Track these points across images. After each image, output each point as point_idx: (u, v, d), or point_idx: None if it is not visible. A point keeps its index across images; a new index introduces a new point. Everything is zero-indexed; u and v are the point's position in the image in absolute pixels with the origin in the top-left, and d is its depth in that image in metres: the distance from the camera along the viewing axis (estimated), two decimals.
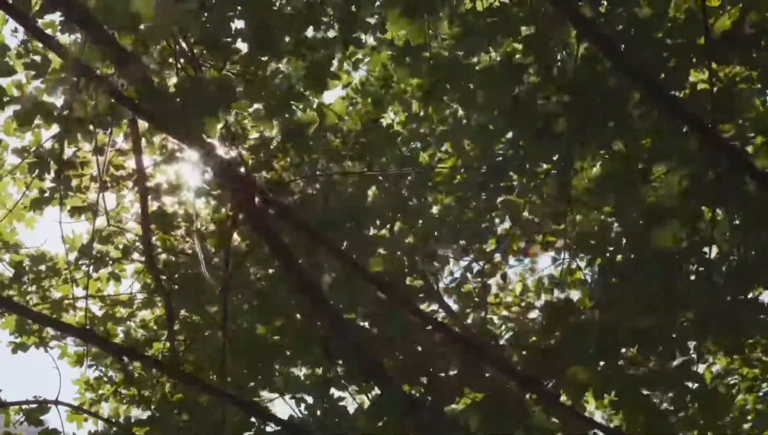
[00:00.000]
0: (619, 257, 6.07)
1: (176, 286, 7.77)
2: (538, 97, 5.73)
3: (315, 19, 6.40)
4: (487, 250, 7.17)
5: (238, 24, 6.04)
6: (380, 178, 7.15)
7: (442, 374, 6.27)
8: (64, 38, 6.56)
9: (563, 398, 6.04)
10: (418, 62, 6.56)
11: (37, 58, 6.61)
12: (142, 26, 5.53)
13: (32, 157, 7.28)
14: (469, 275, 7.13)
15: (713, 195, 5.62)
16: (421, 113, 7.30)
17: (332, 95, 7.23)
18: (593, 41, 5.59)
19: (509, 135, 6.24)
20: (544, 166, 6.36)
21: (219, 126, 6.40)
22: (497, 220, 7.08)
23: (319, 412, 6.44)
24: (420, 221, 7.24)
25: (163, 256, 7.98)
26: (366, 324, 6.53)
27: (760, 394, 7.82)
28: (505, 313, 7.22)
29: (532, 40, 5.81)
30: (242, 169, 6.71)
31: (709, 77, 5.55)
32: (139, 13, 5.35)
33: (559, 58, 5.86)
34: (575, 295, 7.03)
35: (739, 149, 5.69)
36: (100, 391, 8.59)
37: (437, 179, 7.25)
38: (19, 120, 6.54)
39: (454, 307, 7.34)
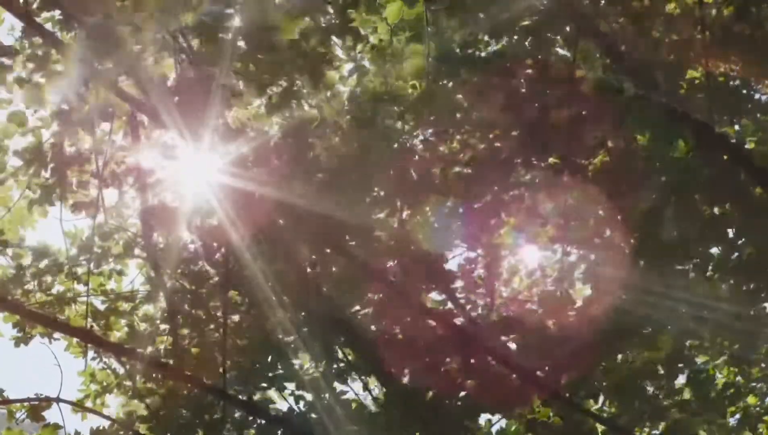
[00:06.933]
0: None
1: (177, 282, 7.77)
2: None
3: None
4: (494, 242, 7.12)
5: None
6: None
7: (444, 366, 6.29)
8: (64, 34, 6.60)
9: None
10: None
11: (39, 52, 6.61)
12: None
13: (31, 156, 7.30)
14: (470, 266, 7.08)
15: (710, 192, 5.62)
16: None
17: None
18: (591, 37, 5.62)
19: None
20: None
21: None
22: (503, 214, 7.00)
23: (320, 407, 6.47)
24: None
25: (164, 251, 7.98)
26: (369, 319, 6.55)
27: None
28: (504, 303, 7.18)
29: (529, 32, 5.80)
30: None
31: (705, 73, 5.55)
32: None
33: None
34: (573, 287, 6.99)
35: (737, 146, 5.68)
36: (105, 383, 8.60)
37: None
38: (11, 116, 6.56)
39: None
